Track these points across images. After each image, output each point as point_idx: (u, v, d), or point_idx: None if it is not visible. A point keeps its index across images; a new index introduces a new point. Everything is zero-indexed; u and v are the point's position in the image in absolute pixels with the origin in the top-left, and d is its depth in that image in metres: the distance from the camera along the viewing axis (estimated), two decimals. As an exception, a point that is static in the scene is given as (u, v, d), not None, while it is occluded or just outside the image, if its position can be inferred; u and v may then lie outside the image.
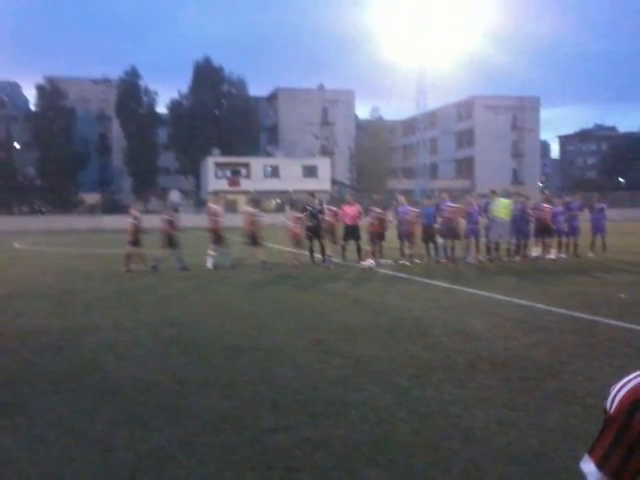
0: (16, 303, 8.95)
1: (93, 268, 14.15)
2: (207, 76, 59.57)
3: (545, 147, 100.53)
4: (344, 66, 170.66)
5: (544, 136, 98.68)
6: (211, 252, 13.44)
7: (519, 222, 14.44)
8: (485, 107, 67.30)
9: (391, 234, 14.79)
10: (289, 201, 28.14)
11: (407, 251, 14.43)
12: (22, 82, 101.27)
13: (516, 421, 3.79)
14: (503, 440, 3.50)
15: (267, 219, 16.25)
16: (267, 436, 3.59)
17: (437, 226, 14.26)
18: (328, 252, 14.00)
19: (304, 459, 3.27)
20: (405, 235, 14.45)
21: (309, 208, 14.32)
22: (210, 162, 54.66)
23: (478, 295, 9.11)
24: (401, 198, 15.14)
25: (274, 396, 4.33)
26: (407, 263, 13.94)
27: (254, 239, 13.42)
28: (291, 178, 53.53)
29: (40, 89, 58.33)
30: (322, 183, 53.11)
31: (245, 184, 53.08)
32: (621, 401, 1.19)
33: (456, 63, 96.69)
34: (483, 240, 14.61)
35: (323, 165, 56.82)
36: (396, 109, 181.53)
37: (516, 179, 65.80)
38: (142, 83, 60.06)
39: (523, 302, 8.25)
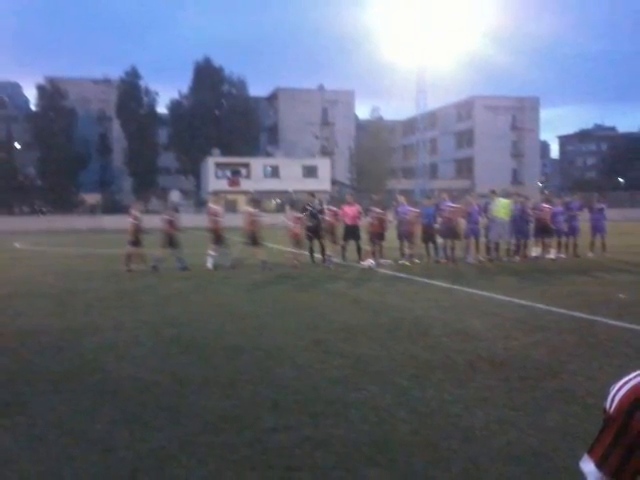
0: (16, 303, 8.95)
1: (93, 268, 14.15)
2: (207, 76, 59.59)
3: (545, 147, 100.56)
4: (344, 66, 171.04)
5: (544, 136, 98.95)
6: (211, 252, 13.45)
7: (519, 222, 14.45)
8: (485, 107, 67.31)
9: (391, 234, 14.79)
10: (289, 201, 28.14)
11: (407, 251, 14.44)
12: (23, 82, 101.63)
13: (516, 421, 3.80)
14: (503, 439, 3.50)
15: (267, 219, 16.26)
16: (267, 436, 3.60)
17: (437, 226, 14.26)
18: (328, 252, 14.00)
19: (304, 459, 3.27)
20: (405, 235, 14.45)
21: (309, 208, 14.33)
22: (210, 162, 54.67)
23: (478, 295, 9.11)
24: (401, 198, 15.15)
25: (274, 396, 4.34)
26: (407, 263, 13.94)
27: (254, 239, 13.43)
28: (291, 178, 53.55)
29: (41, 89, 58.37)
30: (322, 183, 53.12)
31: (245, 184, 53.08)
32: (621, 401, 1.19)
33: (456, 63, 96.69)
34: (483, 240, 14.61)
35: (323, 165, 56.83)
36: (396, 109, 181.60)
37: (516, 179, 65.82)
38: (142, 83, 60.16)
39: (523, 302, 8.25)
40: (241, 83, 62.02)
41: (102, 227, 40.50)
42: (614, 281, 10.60)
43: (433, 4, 57.44)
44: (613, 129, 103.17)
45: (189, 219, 26.68)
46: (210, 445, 3.47)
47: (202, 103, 58.18)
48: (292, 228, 14.05)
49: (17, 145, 62.06)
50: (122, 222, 19.03)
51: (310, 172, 55.53)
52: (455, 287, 9.93)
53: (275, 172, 56.18)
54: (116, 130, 63.71)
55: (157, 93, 61.06)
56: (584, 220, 15.49)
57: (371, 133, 60.22)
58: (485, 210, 14.55)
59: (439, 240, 14.38)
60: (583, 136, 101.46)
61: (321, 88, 67.41)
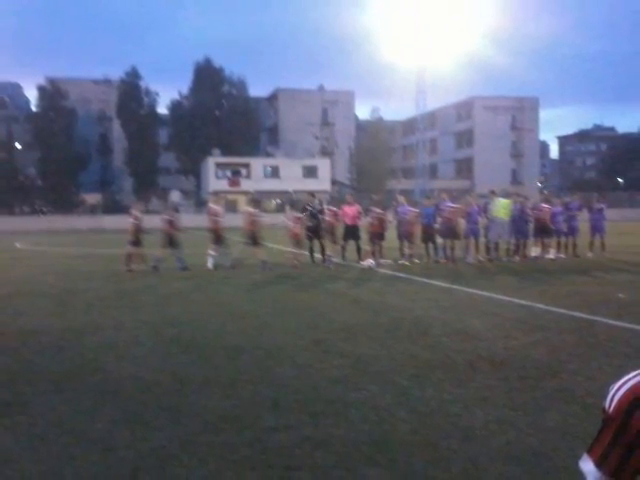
0: (17, 303, 8.96)
1: (94, 268, 14.16)
2: (207, 77, 59.60)
3: (544, 147, 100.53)
4: (344, 67, 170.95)
5: (543, 136, 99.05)
6: (211, 252, 13.46)
7: (518, 222, 14.46)
8: (484, 108, 67.32)
9: (391, 234, 14.80)
10: (289, 201, 28.14)
11: (407, 251, 14.45)
12: (23, 83, 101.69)
13: (515, 420, 3.81)
14: (502, 439, 3.51)
15: (267, 219, 16.27)
16: (267, 435, 3.60)
17: (437, 226, 14.27)
18: (328, 252, 14.01)
19: (304, 458, 3.28)
20: (405, 235, 14.46)
21: (309, 208, 14.34)
22: (210, 162, 54.68)
23: (478, 295, 9.12)
24: (401, 198, 15.16)
25: (274, 395, 4.35)
26: (407, 263, 13.95)
27: (254, 239, 13.44)
28: (291, 178, 53.56)
29: (41, 90, 58.39)
30: (322, 183, 53.12)
31: (245, 184, 53.08)
32: (620, 400, 1.19)
33: (455, 64, 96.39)
34: (482, 240, 14.62)
35: (323, 165, 56.83)
36: (396, 109, 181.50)
37: (515, 179, 65.83)
38: (143, 84, 60.17)
39: (522, 302, 8.26)
40: (241, 83, 62.03)
41: (102, 227, 40.53)
42: (613, 281, 10.61)
43: (433, 5, 57.43)
44: (612, 129, 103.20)
45: (189, 219, 26.69)
46: (210, 445, 3.48)
47: (202, 103, 58.19)
48: (292, 228, 14.06)
49: (18, 145, 62.09)
50: (122, 222, 19.05)
51: (310, 172, 55.53)
52: (455, 287, 9.94)
53: (275, 172, 56.19)
54: (116, 130, 63.73)
55: (157, 93, 61.16)
56: (583, 220, 15.50)
57: (371, 133, 60.23)
58: (485, 210, 14.56)
59: (439, 240, 14.39)
60: (582, 136, 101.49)
61: (321, 88, 67.41)
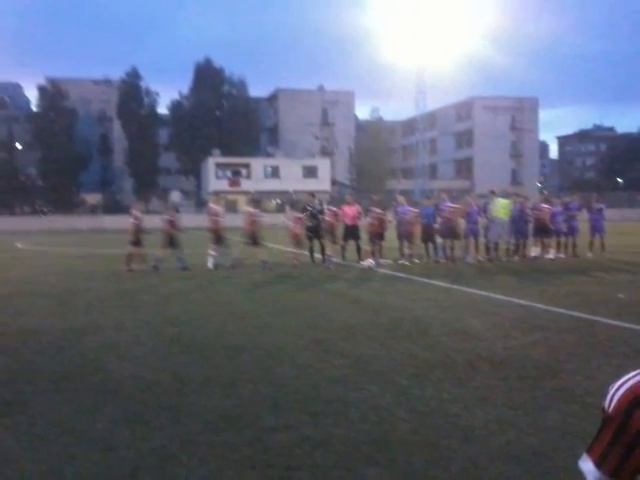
0: (18, 302, 8.97)
1: (94, 268, 14.17)
2: (208, 77, 59.62)
3: (544, 148, 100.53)
4: (344, 67, 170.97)
5: (543, 137, 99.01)
6: (212, 252, 13.47)
7: (518, 222, 14.47)
8: (484, 108, 67.33)
9: (391, 234, 14.81)
10: (289, 201, 28.16)
11: (406, 251, 14.45)
12: (24, 83, 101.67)
13: (515, 420, 3.81)
14: (502, 439, 3.51)
15: (267, 219, 16.28)
16: (267, 435, 3.61)
17: (436, 226, 14.28)
18: (328, 252, 14.02)
19: (304, 458, 3.28)
20: (405, 235, 14.47)
21: (309, 208, 14.35)
22: (211, 162, 54.70)
23: (477, 295, 9.13)
24: (401, 198, 15.17)
25: (274, 395, 4.35)
26: (406, 263, 13.96)
27: (254, 239, 13.45)
28: (291, 178, 53.59)
29: (42, 90, 58.42)
30: (322, 183, 53.14)
31: (245, 184, 53.12)
32: (619, 400, 1.19)
33: (455, 64, 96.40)
34: (482, 240, 14.63)
35: (323, 165, 56.85)
36: (396, 110, 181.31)
37: (515, 179, 65.86)
38: (143, 84, 60.21)
39: (522, 302, 8.26)
40: (241, 84, 62.06)
41: (103, 227, 40.55)
42: (613, 281, 10.61)
43: (432, 5, 57.44)
44: (612, 129, 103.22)
45: (189, 219, 26.71)
46: (211, 444, 3.49)
47: (202, 104, 58.21)
48: (292, 228, 14.07)
49: (18, 145, 62.12)
50: (123, 222, 19.07)
51: (310, 172, 55.55)
52: (454, 287, 9.94)
53: (275, 172, 56.21)
54: (117, 130, 63.76)
55: (158, 94, 61.24)
56: (583, 220, 15.52)
57: (371, 133, 60.25)
58: (484, 210, 14.57)
59: (439, 240, 14.40)
60: (582, 136, 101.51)
61: (321, 89, 67.43)
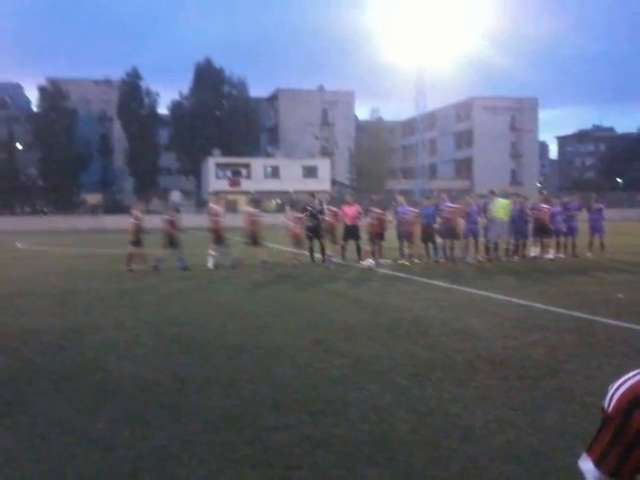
0: (18, 302, 8.97)
1: (95, 268, 14.18)
2: (208, 77, 59.63)
3: (543, 148, 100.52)
4: (344, 67, 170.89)
5: (542, 137, 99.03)
6: (212, 252, 13.48)
7: (518, 222, 14.48)
8: (484, 108, 67.35)
9: (390, 234, 14.81)
10: (289, 201, 28.18)
11: (406, 251, 14.46)
12: (24, 83, 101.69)
13: (515, 420, 3.81)
14: (502, 439, 3.52)
15: (267, 219, 16.28)
16: (267, 435, 3.61)
17: (436, 226, 14.29)
18: (328, 252, 14.03)
19: (304, 457, 3.29)
20: (404, 235, 14.48)
21: (309, 208, 14.36)
22: (211, 162, 54.71)
23: (477, 295, 9.13)
24: (400, 198, 15.18)
25: (274, 395, 4.36)
26: (406, 263, 13.97)
27: (254, 239, 13.46)
28: (291, 178, 53.60)
29: (42, 90, 58.44)
30: (322, 183, 53.15)
31: (245, 184, 53.14)
32: (619, 400, 1.19)
33: (455, 64, 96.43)
34: (482, 240, 14.64)
35: (323, 166, 56.86)
36: (395, 110, 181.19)
37: (515, 179, 65.86)
38: (143, 84, 60.23)
39: (522, 302, 8.27)
40: (241, 84, 62.07)
41: (103, 227, 40.57)
42: (613, 281, 10.62)
43: (432, 6, 57.46)
44: (611, 130, 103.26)
45: (190, 219, 26.73)
46: (211, 444, 3.49)
47: (203, 104, 58.22)
48: (292, 228, 14.08)
49: (19, 145, 62.17)
50: (123, 222, 19.08)
51: (310, 172, 55.57)
52: (454, 287, 9.95)
53: (275, 172, 56.23)
54: (117, 131, 63.76)
55: (158, 94, 61.25)
56: (583, 220, 15.53)
57: (371, 134, 60.28)
58: (484, 210, 14.58)
59: (438, 240, 14.41)
60: (581, 137, 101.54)
61: (321, 89, 67.42)
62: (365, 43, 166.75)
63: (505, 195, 15.74)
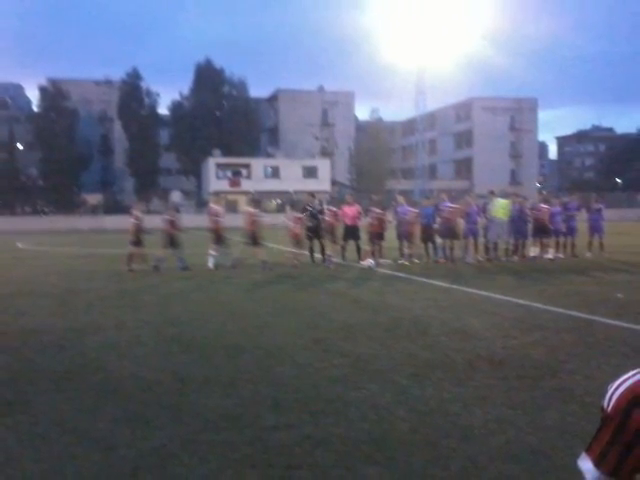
0: (19, 302, 8.98)
1: (95, 268, 14.19)
2: (208, 77, 59.63)
3: (543, 148, 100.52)
4: (344, 68, 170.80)
5: (542, 137, 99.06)
6: (212, 252, 13.49)
7: (517, 222, 14.49)
8: (483, 108, 67.36)
9: (390, 234, 14.82)
10: (289, 201, 28.19)
11: (406, 251, 14.47)
12: (25, 83, 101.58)
13: (514, 419, 3.82)
14: (501, 438, 3.52)
15: (267, 219, 16.29)
16: (268, 434, 3.62)
17: (436, 226, 14.30)
18: (328, 252, 14.04)
19: (304, 457, 3.29)
20: (404, 235, 14.49)
21: (309, 208, 14.37)
22: (211, 163, 54.71)
23: (477, 294, 9.14)
24: (400, 198, 15.19)
25: (275, 394, 4.37)
26: (406, 263, 13.98)
27: (255, 239, 13.47)
28: (291, 179, 53.60)
29: (43, 90, 58.45)
30: (322, 184, 53.15)
31: (246, 185, 53.13)
32: (618, 399, 1.20)
33: (455, 65, 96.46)
34: (482, 240, 14.65)
35: (323, 166, 56.86)
36: (395, 110, 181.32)
37: (514, 180, 65.87)
38: (144, 84, 60.23)
39: (521, 301, 8.28)
40: (242, 84, 62.06)
41: (104, 227, 40.59)
42: (612, 281, 10.62)
43: (432, 6, 57.46)
44: (611, 130, 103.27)
45: (190, 219, 26.73)
46: (211, 443, 3.50)
47: (203, 104, 58.22)
48: (292, 228, 14.09)
49: (19, 146, 62.21)
50: (123, 222, 19.09)
51: (310, 173, 55.57)
52: (454, 287, 9.96)
53: (275, 173, 56.23)
54: (117, 131, 63.76)
55: (158, 94, 61.25)
56: (582, 220, 15.54)
57: (371, 134, 60.28)
58: (484, 210, 14.60)
59: (438, 240, 14.42)
60: (581, 137, 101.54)
61: (321, 89, 67.43)
62: (365, 43, 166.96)
63: (505, 195, 15.75)
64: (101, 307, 8.47)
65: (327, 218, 14.41)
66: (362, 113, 75.50)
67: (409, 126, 71.15)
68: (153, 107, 60.87)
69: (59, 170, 55.50)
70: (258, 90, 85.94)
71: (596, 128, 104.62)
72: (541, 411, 3.98)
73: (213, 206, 14.43)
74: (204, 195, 53.95)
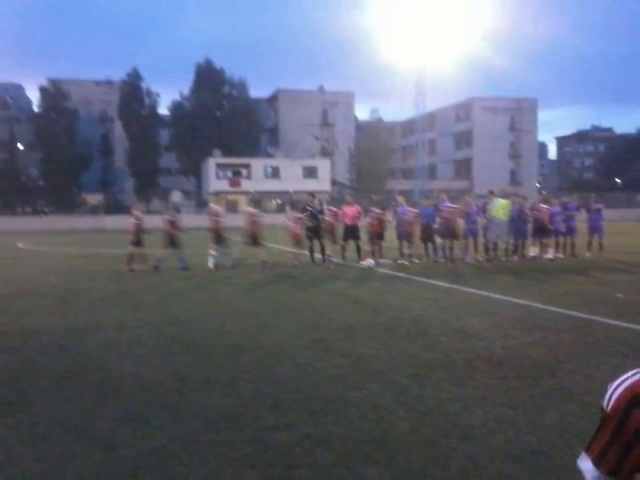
0: (20, 302, 8.99)
1: (96, 268, 14.20)
2: (208, 78, 59.64)
3: (543, 148, 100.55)
4: (344, 68, 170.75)
5: (542, 137, 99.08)
6: (212, 252, 13.49)
7: (517, 222, 14.50)
8: (483, 108, 67.37)
9: (390, 234, 14.83)
10: (289, 201, 28.20)
11: (406, 251, 14.48)
12: (25, 84, 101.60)
13: (514, 419, 3.83)
14: (501, 438, 3.53)
15: (268, 219, 16.30)
16: (268, 434, 3.63)
17: (436, 226, 14.31)
18: (328, 252, 14.04)
19: (304, 457, 3.30)
20: (404, 235, 14.50)
21: (309, 208, 14.37)
22: (211, 163, 54.72)
23: (476, 294, 9.15)
24: (400, 198, 15.20)
25: (275, 394, 4.37)
26: (406, 263, 13.99)
27: (255, 239, 13.48)
28: (291, 179, 53.61)
29: (43, 91, 58.48)
30: (322, 184, 53.15)
31: (246, 185, 53.14)
32: (618, 399, 1.21)
33: (454, 65, 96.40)
34: (481, 240, 14.66)
35: (323, 166, 56.86)
36: (395, 110, 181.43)
37: (514, 180, 65.86)
38: (144, 85, 60.29)
39: (521, 301, 8.29)
40: (242, 84, 62.07)
41: (104, 227, 40.60)
42: (612, 281, 10.63)
43: (432, 6, 57.45)
44: (610, 130, 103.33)
45: (190, 219, 26.73)
46: (211, 443, 3.50)
47: (203, 104, 58.23)
48: (292, 228, 14.10)
49: (20, 146, 62.23)
50: (124, 222, 19.09)
51: (310, 173, 55.57)
52: (454, 287, 9.96)
53: (275, 173, 56.24)
54: (118, 131, 63.79)
55: (158, 94, 61.29)
56: (582, 220, 15.54)
57: (371, 134, 60.28)
58: (484, 210, 14.61)
59: (438, 240, 14.43)
60: (581, 137, 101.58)
61: (321, 89, 67.42)
62: (365, 44, 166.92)
63: (504, 195, 15.76)
64: (101, 307, 8.48)
65: (327, 218, 14.42)
66: (362, 113, 75.58)
67: (409, 126, 71.14)
68: (153, 107, 60.90)
69: (59, 170, 55.52)
70: (258, 90, 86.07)
71: (596, 128, 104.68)
72: (541, 411, 3.98)
73: (213, 206, 14.43)
74: (204, 195, 53.96)
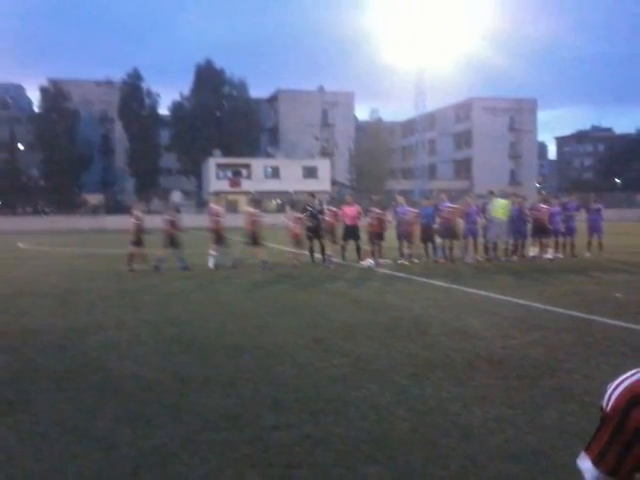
0: (20, 302, 9.00)
1: (96, 268, 14.20)
2: (208, 78, 59.66)
3: (542, 148, 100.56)
4: (344, 68, 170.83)
5: (541, 137, 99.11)
6: (212, 252, 13.50)
7: (517, 222, 14.50)
8: (483, 109, 67.38)
9: (390, 234, 14.84)
10: (289, 201, 28.22)
11: (406, 251, 14.49)
12: (26, 84, 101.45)
13: (513, 419, 3.83)
14: (501, 437, 3.53)
15: (268, 219, 16.31)
16: (268, 434, 3.63)
17: (436, 226, 14.31)
18: (328, 252, 14.05)
19: (304, 456, 3.30)
20: (404, 235, 14.51)
21: (309, 208, 14.38)
22: (211, 163, 54.73)
23: (476, 294, 9.15)
24: (400, 198, 15.20)
25: (275, 394, 4.38)
26: (406, 263, 13.99)
27: (255, 239, 13.48)
28: (291, 179, 53.62)
29: (43, 91, 58.51)
30: (322, 184, 53.15)
31: (246, 185, 53.15)
32: (617, 399, 1.20)
33: (454, 65, 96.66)
34: (481, 240, 14.66)
35: (323, 166, 56.87)
36: (395, 111, 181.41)
37: (514, 180, 65.87)
38: (144, 85, 60.33)
39: (521, 301, 8.29)
40: (242, 85, 62.09)
41: (104, 227, 40.60)
42: (611, 281, 10.63)
43: (432, 7, 57.46)
44: (610, 130, 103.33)
45: (190, 219, 26.73)
46: (211, 443, 3.51)
47: (203, 104, 58.25)
48: (292, 228, 14.10)
49: (20, 146, 62.25)
50: (124, 222, 19.10)
51: (310, 173, 55.58)
52: (454, 286, 9.97)
53: (275, 173, 56.25)
54: (118, 131, 63.82)
55: (159, 95, 61.35)
56: (581, 220, 15.55)
57: (370, 134, 60.29)
58: (483, 210, 14.62)
59: (438, 240, 14.43)
60: (580, 137, 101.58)
61: (321, 90, 67.43)
62: (365, 44, 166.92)
63: (504, 195, 15.77)
64: (102, 307, 8.49)
65: (327, 218, 14.43)
66: (362, 113, 75.64)
67: (409, 126, 71.15)
68: (154, 107, 60.94)
69: (60, 170, 55.55)
70: (258, 90, 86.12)
71: (595, 128, 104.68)
72: (540, 410, 3.99)
73: (213, 206, 14.44)
74: (204, 195, 53.97)
